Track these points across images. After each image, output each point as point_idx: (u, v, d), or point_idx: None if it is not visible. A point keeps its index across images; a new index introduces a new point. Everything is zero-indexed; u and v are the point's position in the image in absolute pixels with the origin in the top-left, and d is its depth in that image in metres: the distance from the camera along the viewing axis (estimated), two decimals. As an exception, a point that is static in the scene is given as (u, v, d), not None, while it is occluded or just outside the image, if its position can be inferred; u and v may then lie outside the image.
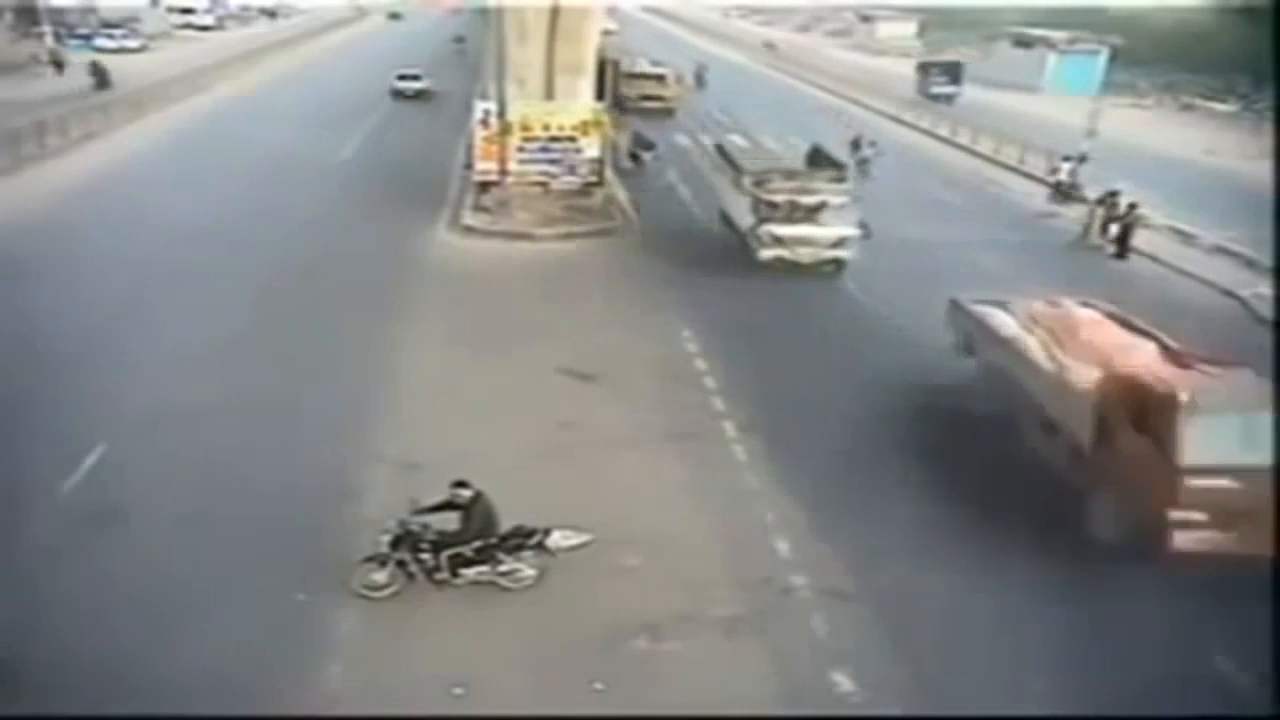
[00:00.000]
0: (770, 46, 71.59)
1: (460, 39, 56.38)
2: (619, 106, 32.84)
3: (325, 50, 62.00)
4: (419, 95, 39.53)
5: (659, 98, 37.57)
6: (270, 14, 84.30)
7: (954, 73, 49.25)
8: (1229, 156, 35.55)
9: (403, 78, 40.16)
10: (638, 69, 39.06)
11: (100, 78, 37.57)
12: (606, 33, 55.43)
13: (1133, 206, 22.10)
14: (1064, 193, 26.66)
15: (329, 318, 15.61)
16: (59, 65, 42.25)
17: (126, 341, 14.23)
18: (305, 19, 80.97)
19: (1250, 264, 20.99)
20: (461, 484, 8.92)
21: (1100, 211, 22.54)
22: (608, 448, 11.90)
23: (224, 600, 8.66)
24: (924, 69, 50.83)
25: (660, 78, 38.75)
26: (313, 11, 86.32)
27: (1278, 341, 15.47)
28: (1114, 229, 22.06)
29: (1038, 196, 27.68)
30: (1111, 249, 21.95)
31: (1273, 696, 6.93)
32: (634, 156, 27.46)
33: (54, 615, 8.34)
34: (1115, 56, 50.77)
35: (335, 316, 15.69)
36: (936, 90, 47.70)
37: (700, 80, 48.34)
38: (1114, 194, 22.51)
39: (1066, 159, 27.41)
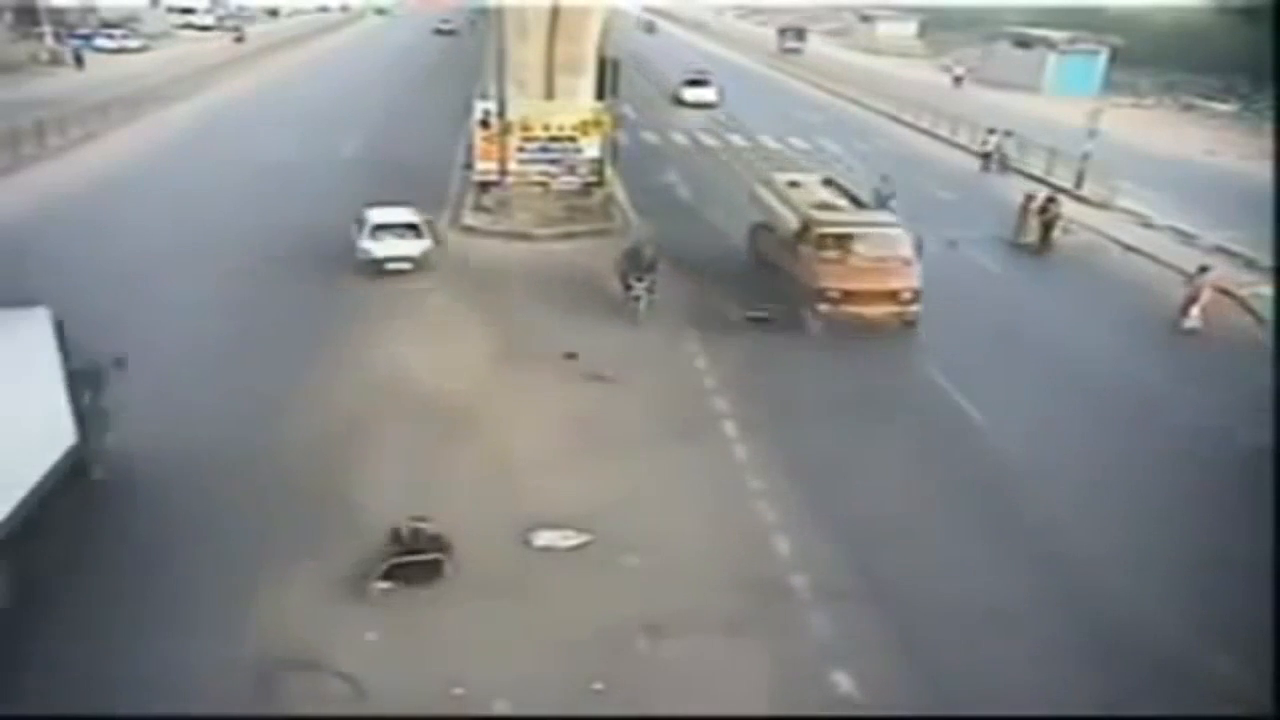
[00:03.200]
0: (700, 25, 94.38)
1: (474, 21, 69.98)
2: (769, 267, 18.07)
3: (347, 42, 67.84)
4: (450, 32, 69.71)
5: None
6: (273, 13, 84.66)
7: (801, 35, 69.29)
8: (1230, 156, 35.53)
9: (442, 21, 72.74)
10: (819, 194, 18.29)
11: (239, 38, 59.40)
12: (707, 105, 38.74)
13: (1051, 200, 22.18)
14: (1000, 163, 30.10)
15: (329, 314, 15.66)
16: (79, 60, 46.00)
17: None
18: (307, 18, 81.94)
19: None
20: None
21: (1034, 208, 22.15)
22: (608, 445, 11.92)
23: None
24: (781, 33, 70.25)
25: (889, 230, 16.68)
26: (311, 11, 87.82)
27: (1278, 337, 15.48)
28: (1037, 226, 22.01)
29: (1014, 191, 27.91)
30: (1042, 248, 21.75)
31: (1273, 696, 6.92)
32: (627, 285, 16.28)
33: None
34: (1115, 57, 50.85)
35: (336, 313, 15.73)
36: (788, 46, 67.00)
37: (884, 206, 21.06)
38: (1052, 198, 22.44)
39: (991, 131, 30.97)
